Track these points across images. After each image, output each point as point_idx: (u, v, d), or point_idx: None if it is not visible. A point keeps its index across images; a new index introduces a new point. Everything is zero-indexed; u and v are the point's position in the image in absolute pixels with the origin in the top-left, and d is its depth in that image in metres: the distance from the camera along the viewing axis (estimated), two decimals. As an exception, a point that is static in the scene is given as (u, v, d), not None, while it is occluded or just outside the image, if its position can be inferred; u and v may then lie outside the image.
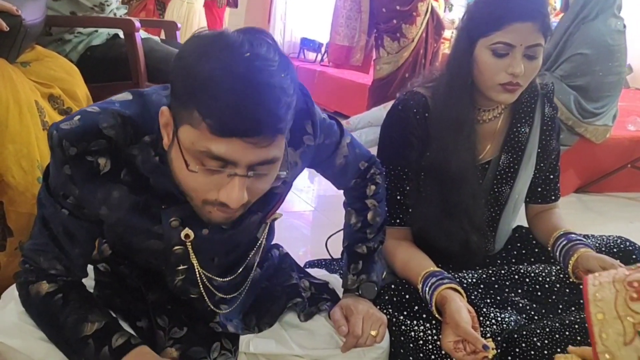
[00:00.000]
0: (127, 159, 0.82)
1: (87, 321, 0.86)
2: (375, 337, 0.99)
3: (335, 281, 1.18)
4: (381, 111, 3.32)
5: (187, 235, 0.88)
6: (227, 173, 0.73)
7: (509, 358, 1.03)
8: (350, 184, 1.16)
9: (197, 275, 0.94)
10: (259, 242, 1.00)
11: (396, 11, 3.47)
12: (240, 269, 1.00)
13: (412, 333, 1.04)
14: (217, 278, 0.97)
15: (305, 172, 3.24)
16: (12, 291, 0.93)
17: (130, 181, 0.84)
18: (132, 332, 0.94)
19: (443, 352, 1.01)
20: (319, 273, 1.22)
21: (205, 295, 0.97)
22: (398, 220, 1.23)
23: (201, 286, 0.95)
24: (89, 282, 0.99)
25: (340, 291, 1.13)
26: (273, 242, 1.24)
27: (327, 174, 1.12)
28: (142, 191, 0.85)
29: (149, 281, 1.02)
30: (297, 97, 0.90)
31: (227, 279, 0.98)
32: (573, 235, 1.21)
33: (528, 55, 1.09)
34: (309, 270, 1.22)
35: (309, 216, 2.51)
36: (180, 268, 0.93)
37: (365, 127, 3.37)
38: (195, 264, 0.92)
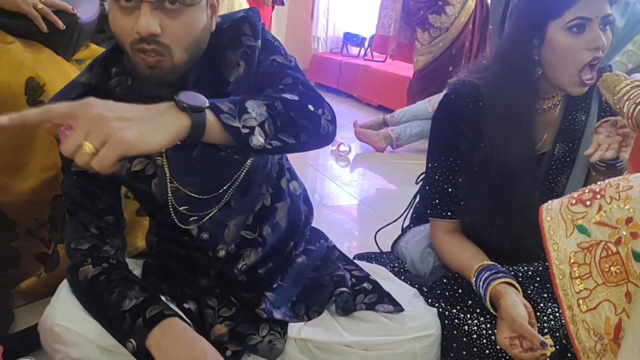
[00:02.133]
0: (106, 93, 0.90)
1: (126, 297, 0.90)
2: None
3: (380, 272, 1.17)
4: (425, 104, 3.28)
5: None
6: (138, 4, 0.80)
7: (569, 355, 1.00)
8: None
9: (167, 181, 0.97)
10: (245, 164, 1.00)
11: (420, 2, 3.51)
12: (224, 186, 1.00)
13: (466, 327, 1.02)
14: (195, 195, 0.98)
15: (350, 165, 3.22)
16: (65, 280, 1.00)
17: None
18: (179, 312, 0.96)
19: (498, 347, 0.99)
20: (366, 266, 1.21)
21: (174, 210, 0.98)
22: (449, 213, 1.20)
23: (170, 194, 0.97)
24: (136, 273, 1.04)
25: (384, 282, 1.10)
26: (320, 232, 1.22)
27: None
28: None
29: (196, 271, 1.05)
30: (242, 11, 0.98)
31: (206, 197, 0.99)
32: None
33: (602, 27, 1.06)
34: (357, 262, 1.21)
35: (355, 210, 2.50)
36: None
37: (410, 120, 3.33)
38: (165, 168, 0.96)
